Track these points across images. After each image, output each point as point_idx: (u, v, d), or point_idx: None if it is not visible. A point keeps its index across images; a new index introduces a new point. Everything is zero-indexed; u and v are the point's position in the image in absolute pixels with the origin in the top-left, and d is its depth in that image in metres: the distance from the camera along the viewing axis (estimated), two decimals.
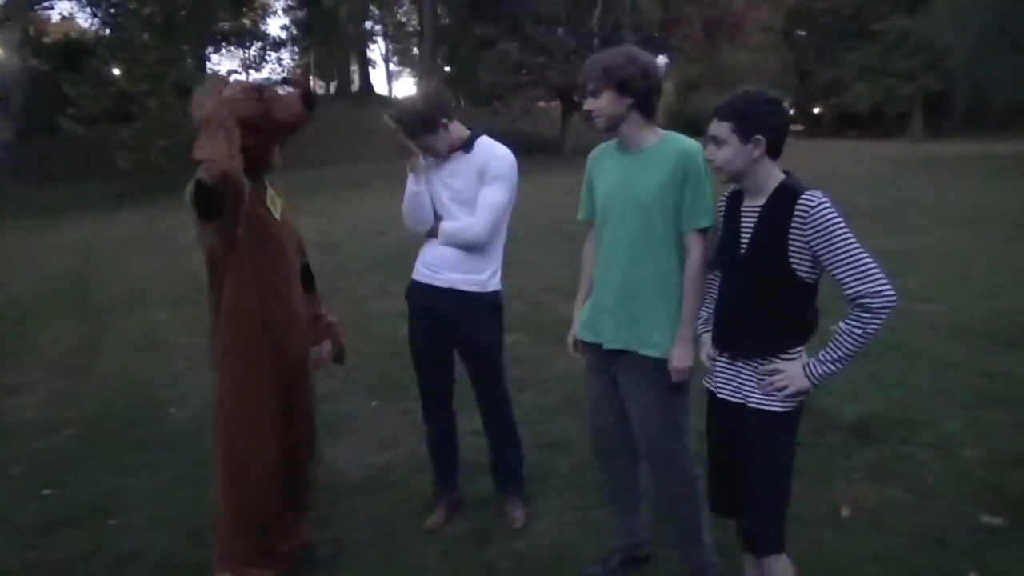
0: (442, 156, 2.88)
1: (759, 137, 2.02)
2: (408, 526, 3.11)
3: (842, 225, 1.95)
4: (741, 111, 2.04)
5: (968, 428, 3.80)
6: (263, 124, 2.39)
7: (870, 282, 1.92)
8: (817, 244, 1.96)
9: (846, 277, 1.94)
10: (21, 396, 4.82)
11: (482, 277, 2.92)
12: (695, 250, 2.34)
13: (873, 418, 3.94)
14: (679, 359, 2.34)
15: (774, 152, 2.06)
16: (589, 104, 2.40)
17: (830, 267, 1.96)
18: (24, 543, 3.07)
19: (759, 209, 2.07)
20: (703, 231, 2.34)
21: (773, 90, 2.10)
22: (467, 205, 2.87)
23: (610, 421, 2.61)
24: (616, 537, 2.78)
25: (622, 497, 2.74)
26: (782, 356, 2.07)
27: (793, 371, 2.05)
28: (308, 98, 2.52)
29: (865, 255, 1.94)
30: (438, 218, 2.95)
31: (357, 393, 4.67)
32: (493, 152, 2.87)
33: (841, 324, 1.98)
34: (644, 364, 2.40)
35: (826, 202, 1.96)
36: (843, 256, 1.94)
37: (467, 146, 2.88)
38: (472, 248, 2.88)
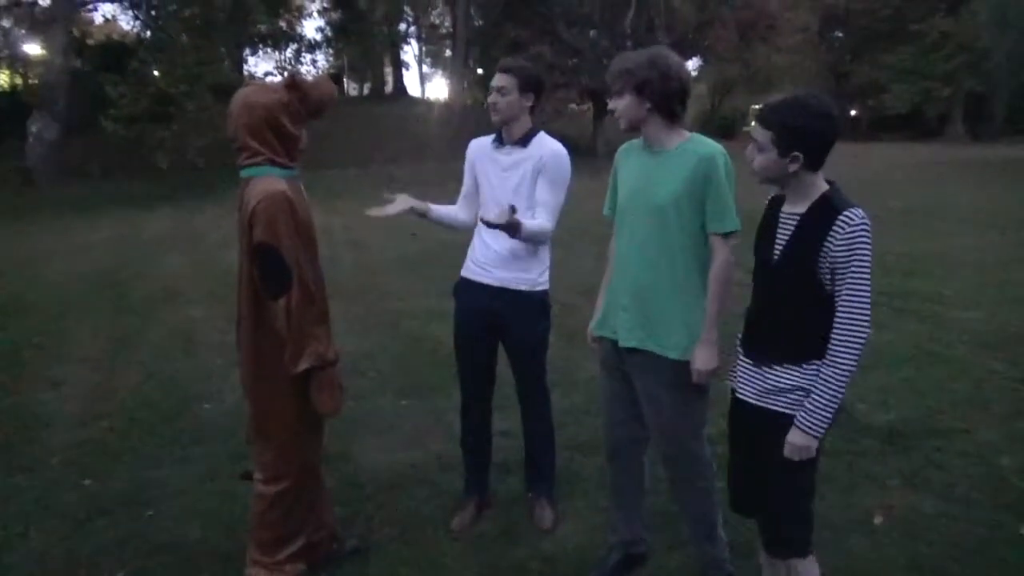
0: (507, 141, 2.92)
1: (797, 154, 1.97)
2: (436, 524, 3.13)
3: (868, 254, 1.93)
4: (785, 123, 1.97)
5: (1004, 437, 3.73)
6: (302, 109, 2.46)
7: (856, 318, 1.93)
8: (838, 259, 1.94)
9: (842, 300, 1.95)
10: (61, 389, 4.94)
11: (532, 276, 2.95)
12: (719, 253, 2.35)
13: (907, 425, 3.88)
14: (702, 361, 2.34)
15: (815, 165, 2.01)
16: (612, 103, 2.43)
17: (837, 283, 1.96)
18: (63, 531, 3.15)
19: (798, 218, 2.04)
20: (726, 235, 2.34)
21: (825, 99, 2.01)
22: (522, 198, 2.89)
23: (621, 418, 2.63)
24: (614, 534, 2.79)
25: (626, 494, 2.74)
26: (804, 366, 2.04)
27: (790, 437, 2.03)
28: (335, 77, 2.58)
29: (869, 293, 1.94)
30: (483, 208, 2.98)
31: (386, 391, 4.71)
32: (552, 151, 2.90)
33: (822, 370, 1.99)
34: (660, 364, 2.40)
35: (866, 224, 1.93)
36: (852, 281, 1.93)
37: (524, 141, 2.91)
38: (528, 247, 2.91)
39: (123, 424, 4.30)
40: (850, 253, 1.92)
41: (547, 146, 2.90)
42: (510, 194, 2.89)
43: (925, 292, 6.59)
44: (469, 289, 3.03)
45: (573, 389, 4.56)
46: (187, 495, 3.44)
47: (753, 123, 2.06)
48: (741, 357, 2.22)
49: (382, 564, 2.86)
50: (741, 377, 2.21)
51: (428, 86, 53.73)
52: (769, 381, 2.10)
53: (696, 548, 2.62)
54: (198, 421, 4.32)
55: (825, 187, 2.04)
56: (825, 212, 1.97)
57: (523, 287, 2.94)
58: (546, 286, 3.01)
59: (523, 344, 3.03)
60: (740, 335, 2.25)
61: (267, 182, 2.38)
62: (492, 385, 3.16)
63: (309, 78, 2.58)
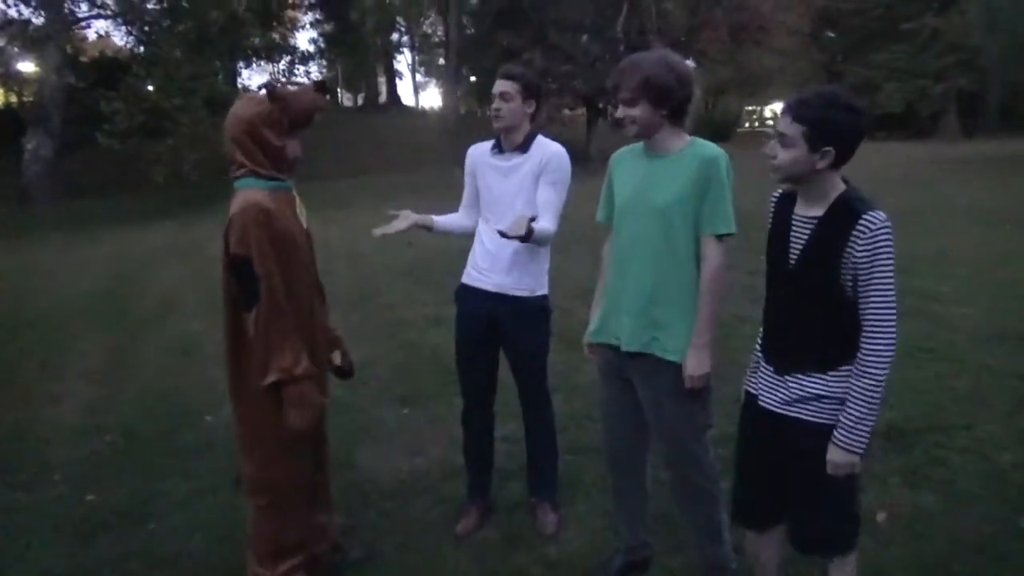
0: (506, 148, 2.93)
1: (829, 149, 1.89)
2: (439, 531, 3.13)
3: (892, 258, 1.87)
4: (818, 118, 1.88)
5: (1004, 432, 3.74)
6: (284, 119, 2.44)
7: (884, 327, 1.88)
8: (862, 263, 1.88)
9: (868, 306, 1.90)
10: (62, 404, 4.93)
11: (531, 281, 2.96)
12: (712, 256, 2.33)
13: (907, 422, 3.88)
14: (694, 366, 2.33)
15: (842, 162, 1.93)
16: (623, 112, 2.34)
17: (861, 289, 1.90)
18: (66, 546, 3.15)
19: (815, 221, 1.97)
20: (720, 237, 2.32)
21: (852, 94, 1.95)
22: (523, 203, 2.89)
23: (622, 425, 2.62)
24: (617, 539, 2.79)
25: (628, 499, 2.74)
26: (829, 374, 2.00)
27: (831, 456, 1.98)
28: (320, 85, 2.58)
29: (894, 299, 1.89)
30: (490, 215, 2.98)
31: (387, 400, 4.71)
32: (553, 152, 2.91)
33: (852, 383, 1.94)
34: (663, 369, 2.39)
35: (888, 226, 1.87)
36: (877, 285, 1.88)
37: (524, 146, 2.92)
38: (529, 252, 2.91)
39: (124, 438, 4.30)
40: (873, 257, 1.86)
41: (547, 148, 2.91)
42: (511, 199, 2.90)
43: (923, 289, 6.60)
44: (469, 295, 3.04)
45: (574, 393, 4.57)
46: (189, 508, 3.43)
47: (779, 117, 1.99)
48: (762, 364, 2.17)
49: (385, 572, 2.86)
50: (763, 385, 2.15)
51: (422, 95, 53.93)
52: (792, 390, 2.05)
53: (698, 551, 2.62)
54: (199, 433, 4.32)
55: (842, 187, 1.97)
56: (845, 214, 1.91)
57: (523, 292, 2.95)
58: (546, 291, 3.02)
59: (524, 349, 3.04)
60: (759, 340, 2.21)
61: (246, 194, 2.38)
62: (493, 391, 3.16)
63: (292, 88, 2.56)
